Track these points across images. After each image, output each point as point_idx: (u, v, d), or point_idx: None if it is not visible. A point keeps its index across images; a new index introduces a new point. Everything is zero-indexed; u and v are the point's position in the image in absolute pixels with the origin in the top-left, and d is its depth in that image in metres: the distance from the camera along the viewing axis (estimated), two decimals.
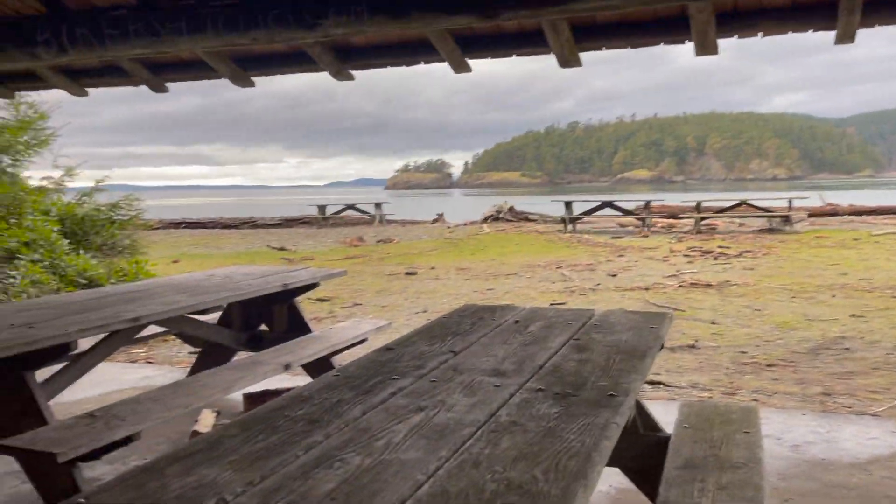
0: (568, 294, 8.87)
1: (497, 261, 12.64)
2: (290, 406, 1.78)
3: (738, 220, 18.91)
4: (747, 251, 12.84)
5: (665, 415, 4.26)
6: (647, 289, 9.08)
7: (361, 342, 4.35)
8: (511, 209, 22.09)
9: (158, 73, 5.70)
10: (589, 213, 19.28)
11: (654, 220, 18.63)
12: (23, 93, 8.19)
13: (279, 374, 3.54)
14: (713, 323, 7.01)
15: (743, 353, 5.85)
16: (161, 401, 2.95)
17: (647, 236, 16.45)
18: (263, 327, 4.78)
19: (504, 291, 9.21)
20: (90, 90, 6.16)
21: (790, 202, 17.29)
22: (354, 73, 5.38)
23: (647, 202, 18.66)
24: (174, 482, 1.34)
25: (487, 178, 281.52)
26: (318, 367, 4.29)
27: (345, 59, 5.18)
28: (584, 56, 4.63)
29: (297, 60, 5.32)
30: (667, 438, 2.62)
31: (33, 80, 6.04)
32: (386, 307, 8.35)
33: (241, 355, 4.73)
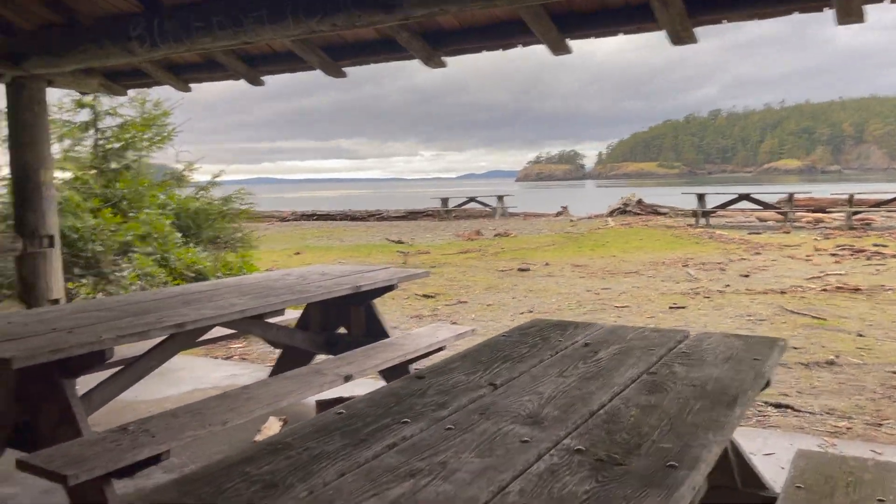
0: (691, 297, 8.11)
1: (617, 257, 11.91)
2: (257, 459, 1.45)
3: None
4: None
5: (789, 451, 3.64)
6: (783, 292, 8.14)
7: (439, 350, 4.00)
8: (639, 202, 21.01)
9: (254, 66, 5.68)
10: (724, 206, 17.93)
11: (798, 214, 17.03)
12: (140, 90, 8.51)
13: (338, 385, 3.26)
14: (860, 335, 6.10)
15: (894, 373, 5.00)
16: (200, 414, 2.74)
17: (788, 232, 15.03)
18: (344, 329, 4.55)
19: (620, 292, 8.57)
20: (193, 85, 6.24)
21: None
22: (446, 59, 5.09)
23: (791, 195, 17.04)
24: None
25: (622, 168, 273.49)
26: (394, 372, 3.98)
27: (435, 45, 4.91)
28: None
29: (386, 48, 5.15)
30: (772, 500, 2.08)
31: (141, 77, 6.19)
32: (491, 305, 7.97)
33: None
